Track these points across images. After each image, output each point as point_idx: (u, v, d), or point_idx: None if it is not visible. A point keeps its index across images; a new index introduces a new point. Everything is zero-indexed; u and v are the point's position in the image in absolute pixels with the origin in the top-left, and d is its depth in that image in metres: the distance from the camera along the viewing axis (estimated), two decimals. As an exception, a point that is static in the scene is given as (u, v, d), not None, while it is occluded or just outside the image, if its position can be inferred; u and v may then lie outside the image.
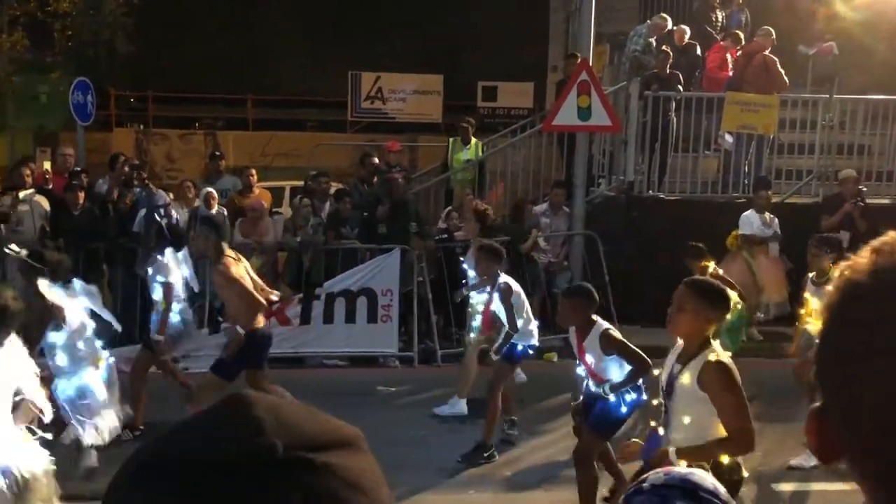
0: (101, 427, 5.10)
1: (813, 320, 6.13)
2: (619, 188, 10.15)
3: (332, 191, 9.83)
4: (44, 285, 4.94)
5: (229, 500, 0.56)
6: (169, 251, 6.50)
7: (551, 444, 5.37)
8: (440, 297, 8.76)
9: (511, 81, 17.67)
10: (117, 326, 5.64)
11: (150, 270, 6.66)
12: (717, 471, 3.39)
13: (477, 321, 6.75)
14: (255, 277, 6.28)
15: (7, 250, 5.42)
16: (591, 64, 9.43)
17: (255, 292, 5.96)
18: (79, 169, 9.70)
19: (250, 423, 0.59)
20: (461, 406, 6.90)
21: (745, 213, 9.04)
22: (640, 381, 4.70)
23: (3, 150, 18.27)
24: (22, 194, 8.63)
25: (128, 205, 8.99)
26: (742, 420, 3.35)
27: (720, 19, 11.53)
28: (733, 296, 7.03)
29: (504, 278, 6.25)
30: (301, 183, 11.21)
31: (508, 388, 6.26)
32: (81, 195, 8.68)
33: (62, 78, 15.38)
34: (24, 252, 5.23)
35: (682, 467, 1.78)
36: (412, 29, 20.89)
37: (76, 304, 5.12)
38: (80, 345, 5.06)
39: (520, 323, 6.04)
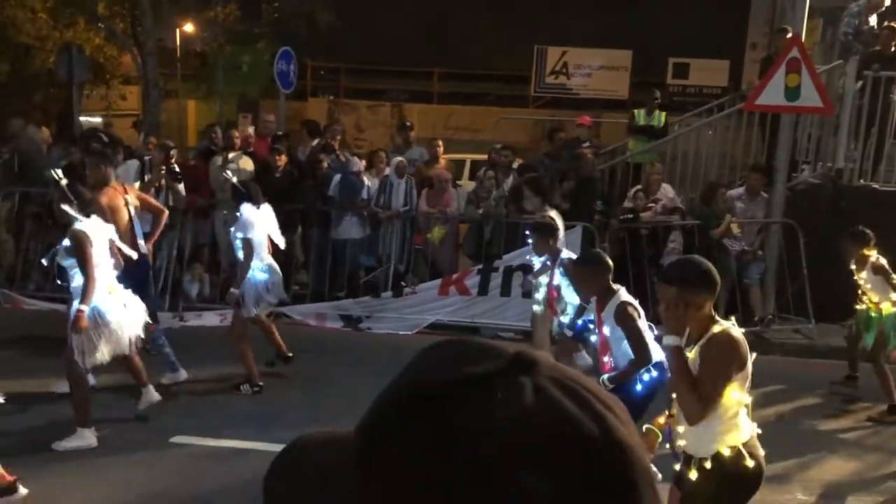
0: (103, 350, 5.27)
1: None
2: (825, 175, 9.37)
3: (515, 165, 9.80)
4: (72, 210, 5.24)
5: (514, 407, 0.57)
6: (247, 206, 6.33)
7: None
8: (620, 279, 8.48)
9: (704, 58, 16.80)
10: (132, 255, 5.73)
11: (233, 229, 6.55)
12: (718, 462, 3.15)
13: (541, 294, 6.39)
14: (132, 212, 6.24)
15: (52, 172, 5.70)
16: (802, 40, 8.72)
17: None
18: (281, 133, 10.27)
19: (475, 348, 0.62)
20: None
21: (973, 210, 8.06)
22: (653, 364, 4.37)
23: (212, 115, 19.85)
24: (231, 155, 9.29)
25: (324, 170, 9.43)
26: (704, 393, 3.05)
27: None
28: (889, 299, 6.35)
29: (567, 253, 6.05)
30: (483, 156, 11.28)
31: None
32: (283, 158, 9.19)
33: (265, 48, 16.36)
34: (64, 181, 5.42)
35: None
36: (601, 2, 20.33)
37: (99, 236, 5.35)
38: (97, 273, 5.24)
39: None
